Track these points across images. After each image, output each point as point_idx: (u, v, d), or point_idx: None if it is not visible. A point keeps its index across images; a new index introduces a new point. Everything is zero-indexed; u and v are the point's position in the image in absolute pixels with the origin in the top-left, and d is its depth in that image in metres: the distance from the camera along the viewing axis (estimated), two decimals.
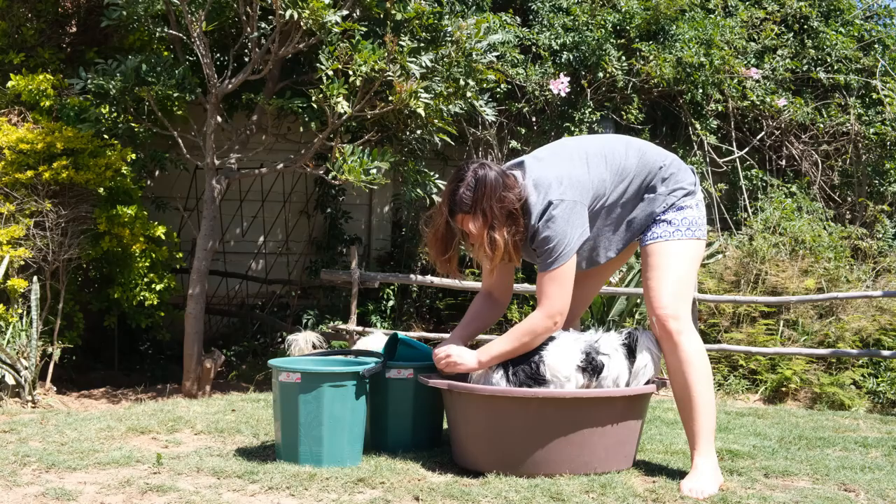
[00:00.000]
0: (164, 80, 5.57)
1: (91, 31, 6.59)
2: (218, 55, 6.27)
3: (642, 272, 3.60)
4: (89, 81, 5.56)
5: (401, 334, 4.20)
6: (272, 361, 3.78)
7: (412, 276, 7.07)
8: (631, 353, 3.58)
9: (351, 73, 5.38)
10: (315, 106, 5.71)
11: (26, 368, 5.31)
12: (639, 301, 6.91)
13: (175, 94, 5.68)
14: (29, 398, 5.30)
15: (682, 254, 3.53)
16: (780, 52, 8.77)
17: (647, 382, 3.60)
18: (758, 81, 8.45)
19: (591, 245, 3.60)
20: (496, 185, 3.46)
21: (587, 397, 3.49)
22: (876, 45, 9.11)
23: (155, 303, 6.07)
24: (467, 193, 3.48)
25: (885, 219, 8.62)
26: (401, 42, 5.51)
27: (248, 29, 5.61)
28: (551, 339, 3.57)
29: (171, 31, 5.79)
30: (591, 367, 3.51)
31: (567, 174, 3.50)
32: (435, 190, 6.23)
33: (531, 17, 8.06)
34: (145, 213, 6.18)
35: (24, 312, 5.55)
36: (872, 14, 9.58)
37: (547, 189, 3.47)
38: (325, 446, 3.60)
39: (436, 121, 5.86)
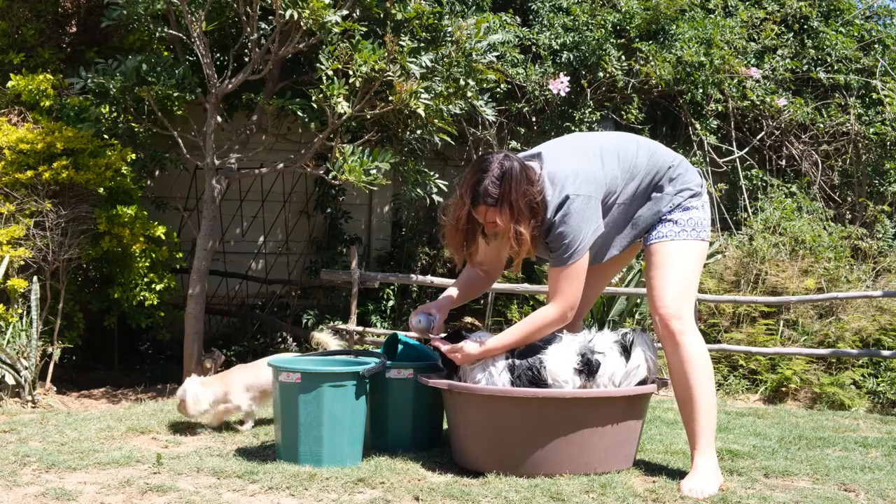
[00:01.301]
0: (164, 80, 5.57)
1: (91, 31, 6.59)
2: (218, 55, 6.26)
3: (646, 271, 3.60)
4: (89, 81, 5.56)
5: (401, 334, 4.20)
6: (272, 361, 3.78)
7: (412, 276, 7.07)
8: (625, 351, 3.58)
9: (351, 73, 5.37)
10: (315, 106, 5.70)
11: (26, 368, 5.31)
12: (639, 301, 6.91)
13: (175, 94, 5.68)
14: (29, 398, 5.31)
15: (686, 254, 3.53)
16: (780, 52, 8.77)
17: (647, 382, 3.60)
18: (758, 81, 8.45)
19: (600, 242, 3.60)
20: (521, 177, 3.43)
21: (587, 397, 3.49)
22: (876, 45, 9.11)
23: (155, 303, 6.07)
24: (493, 185, 3.43)
25: (885, 219, 8.62)
26: (401, 42, 5.51)
27: (248, 29, 5.60)
28: (549, 342, 3.57)
29: (171, 31, 5.78)
30: (588, 368, 3.51)
31: (583, 169, 3.49)
32: (435, 190, 6.23)
33: (531, 17, 8.06)
34: (145, 213, 6.17)
35: (24, 312, 5.55)
36: (872, 14, 9.58)
37: (563, 183, 3.46)
38: (325, 446, 3.60)
39: (436, 121, 5.86)
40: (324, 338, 4.58)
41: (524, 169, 3.46)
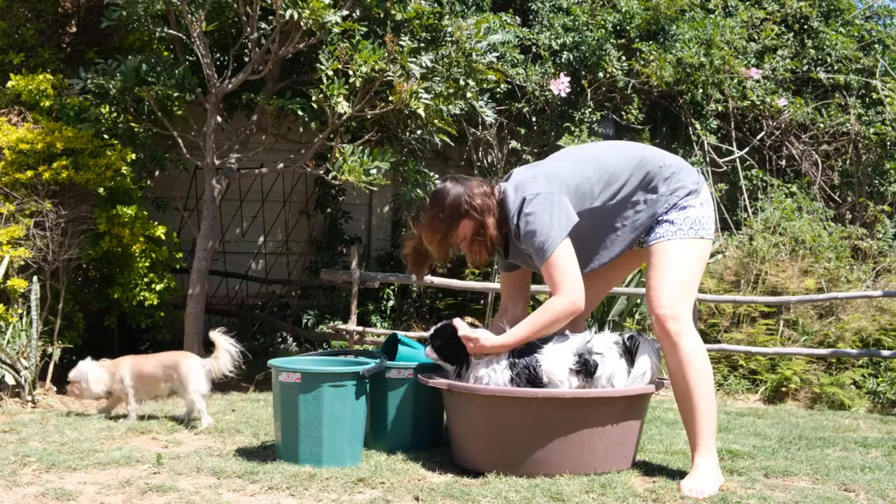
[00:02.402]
0: (164, 80, 5.56)
1: (91, 31, 6.59)
2: (218, 55, 6.26)
3: (646, 272, 3.61)
4: (89, 81, 5.56)
5: (400, 334, 4.21)
6: (272, 361, 3.78)
7: (412, 276, 7.06)
8: (628, 352, 3.58)
9: (351, 73, 5.37)
10: (315, 106, 5.70)
11: (26, 368, 5.31)
12: (639, 301, 6.90)
13: (175, 94, 5.68)
14: (29, 398, 5.31)
15: (684, 253, 3.52)
16: (780, 52, 8.78)
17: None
18: (758, 81, 8.45)
19: (587, 245, 3.60)
20: (451, 192, 3.64)
21: (587, 397, 3.49)
22: (876, 45, 9.11)
23: (155, 303, 6.07)
24: (429, 212, 3.71)
25: (885, 219, 8.62)
26: (401, 42, 5.51)
27: (248, 29, 5.60)
28: (546, 341, 3.57)
29: (171, 31, 5.78)
30: (585, 369, 3.51)
31: (543, 171, 3.60)
32: None
33: (531, 17, 8.06)
34: (145, 213, 6.17)
35: (24, 312, 5.55)
36: (872, 14, 9.58)
37: (524, 187, 3.56)
38: (325, 446, 3.60)
39: (436, 121, 5.86)
40: (215, 336, 4.72)
41: (460, 183, 3.65)
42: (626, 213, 3.59)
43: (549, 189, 3.50)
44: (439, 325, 3.76)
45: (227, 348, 4.63)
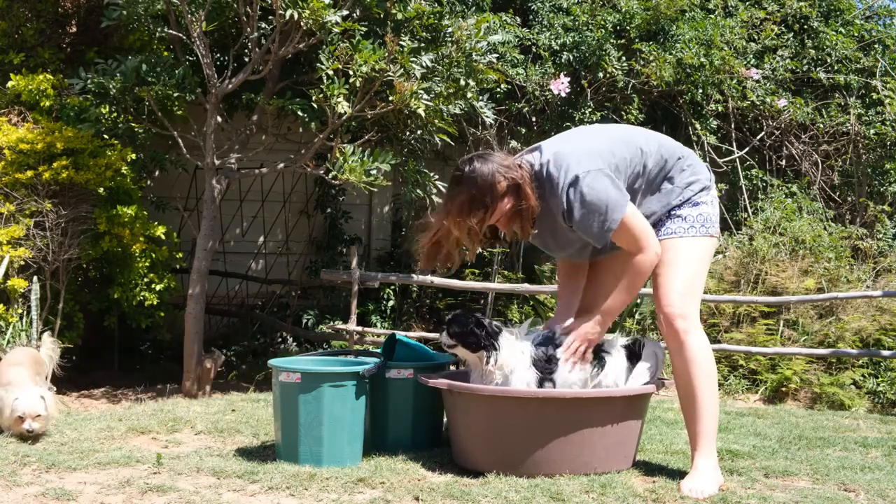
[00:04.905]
0: (164, 80, 5.56)
1: (91, 31, 6.59)
2: (218, 55, 6.26)
3: None
4: (89, 81, 5.56)
5: (399, 334, 4.21)
6: (272, 361, 3.78)
7: (412, 276, 7.07)
8: (634, 355, 3.59)
9: (351, 73, 5.38)
10: (315, 106, 5.70)
11: None
12: (639, 301, 6.90)
13: (175, 94, 5.68)
14: None
15: (694, 251, 3.52)
16: (780, 52, 8.77)
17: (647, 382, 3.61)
18: (758, 82, 8.45)
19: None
20: (486, 172, 3.45)
21: (587, 397, 3.49)
22: (876, 45, 9.11)
23: (155, 303, 6.07)
24: (460, 196, 3.48)
25: (885, 219, 8.62)
26: (401, 42, 5.51)
27: (248, 29, 5.60)
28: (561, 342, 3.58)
29: (171, 31, 5.78)
30: (599, 363, 3.54)
31: (587, 148, 3.50)
32: (435, 190, 6.23)
33: (531, 17, 8.06)
34: (145, 213, 6.18)
35: (24, 312, 5.55)
36: (872, 14, 9.58)
37: (568, 164, 3.43)
38: (325, 446, 3.60)
39: (436, 121, 5.86)
40: (44, 338, 5.05)
41: (486, 159, 3.49)
42: (643, 200, 3.57)
43: (598, 166, 3.42)
44: (456, 312, 3.73)
45: (50, 349, 5.04)
